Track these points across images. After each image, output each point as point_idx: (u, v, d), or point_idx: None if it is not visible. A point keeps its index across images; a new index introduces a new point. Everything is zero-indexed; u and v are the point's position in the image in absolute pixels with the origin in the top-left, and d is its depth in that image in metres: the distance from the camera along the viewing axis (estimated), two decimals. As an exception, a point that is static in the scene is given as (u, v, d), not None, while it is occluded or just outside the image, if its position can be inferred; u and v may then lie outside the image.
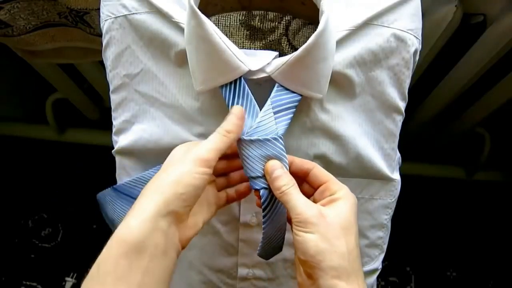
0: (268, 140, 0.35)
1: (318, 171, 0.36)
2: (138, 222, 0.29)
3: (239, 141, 0.35)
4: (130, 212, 0.30)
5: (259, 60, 0.36)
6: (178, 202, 0.30)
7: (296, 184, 0.34)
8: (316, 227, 0.31)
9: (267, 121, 0.35)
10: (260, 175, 0.35)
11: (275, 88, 0.36)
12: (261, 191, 0.35)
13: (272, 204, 0.36)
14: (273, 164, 0.35)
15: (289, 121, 0.36)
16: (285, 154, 0.36)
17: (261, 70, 0.36)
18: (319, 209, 0.32)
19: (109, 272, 0.27)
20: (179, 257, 0.33)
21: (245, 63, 0.35)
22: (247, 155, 0.35)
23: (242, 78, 0.36)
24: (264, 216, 0.36)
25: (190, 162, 0.31)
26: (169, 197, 0.30)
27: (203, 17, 0.33)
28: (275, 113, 0.36)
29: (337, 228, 0.32)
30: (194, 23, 0.33)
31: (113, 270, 0.27)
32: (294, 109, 0.36)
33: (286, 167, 0.35)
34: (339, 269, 0.30)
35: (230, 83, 0.36)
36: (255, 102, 0.36)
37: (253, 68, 0.35)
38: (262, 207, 0.36)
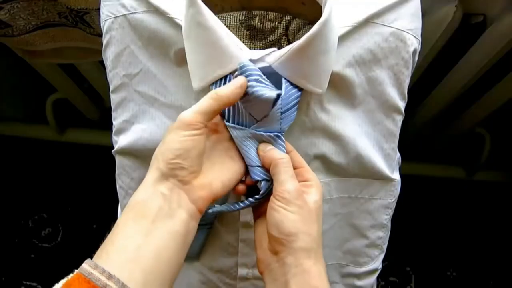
0: (271, 136, 0.36)
1: (294, 156, 0.37)
2: (141, 189, 0.32)
3: (241, 131, 0.36)
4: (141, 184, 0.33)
5: (259, 53, 0.36)
6: (171, 166, 0.32)
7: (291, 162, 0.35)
8: (298, 208, 0.32)
9: (274, 119, 0.35)
10: (259, 164, 0.36)
11: (284, 86, 0.35)
12: (262, 183, 0.36)
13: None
14: (265, 144, 0.36)
15: (293, 118, 0.37)
16: (284, 150, 0.36)
17: (261, 59, 0.36)
18: (303, 191, 0.34)
19: (119, 232, 0.31)
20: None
21: (244, 51, 0.35)
22: (248, 145, 0.36)
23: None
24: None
25: (175, 128, 0.32)
26: (161, 164, 0.32)
27: (202, 4, 0.33)
28: (282, 112, 0.35)
29: (314, 212, 0.34)
30: (193, 10, 0.33)
31: (122, 231, 0.30)
32: (296, 106, 0.37)
33: None
34: (309, 250, 0.32)
35: (225, 77, 0.35)
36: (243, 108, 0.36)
37: (253, 57, 0.35)
38: (258, 196, 0.36)
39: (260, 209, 0.37)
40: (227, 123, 0.36)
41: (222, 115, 0.37)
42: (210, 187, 0.34)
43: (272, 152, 0.35)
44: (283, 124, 0.36)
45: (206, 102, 0.33)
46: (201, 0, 0.34)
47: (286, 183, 0.33)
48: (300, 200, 0.33)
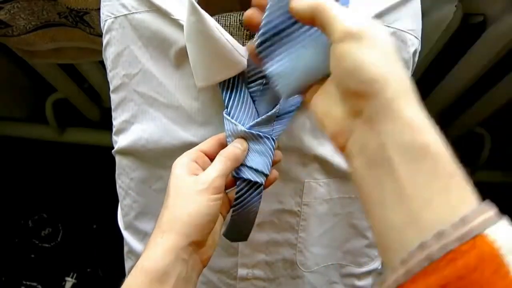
0: (260, 136, 0.36)
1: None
2: (161, 253, 0.29)
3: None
4: (152, 243, 0.30)
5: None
6: (197, 232, 0.30)
7: None
8: (374, 40, 0.23)
9: (266, 123, 0.36)
10: (246, 164, 0.36)
11: None
12: (238, 182, 0.36)
13: (245, 198, 0.36)
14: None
15: (285, 127, 0.37)
16: (272, 154, 0.36)
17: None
18: (368, 19, 0.25)
19: None
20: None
21: (246, 58, 0.35)
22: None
23: (241, 77, 0.36)
24: (235, 205, 0.36)
25: (204, 192, 0.31)
26: (189, 229, 0.30)
27: (203, 12, 0.33)
28: (277, 116, 0.36)
29: (391, 46, 0.24)
30: (194, 19, 0.33)
31: None
32: (293, 113, 0.37)
33: (269, 166, 0.36)
34: (404, 94, 0.23)
35: (229, 80, 0.36)
36: (251, 100, 0.36)
37: None
38: (236, 196, 0.36)
39: (309, 88, 0.30)
40: (224, 114, 0.36)
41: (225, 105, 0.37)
42: (215, 243, 0.34)
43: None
44: (275, 131, 0.36)
45: (225, 164, 0.33)
46: (202, 2, 0.34)
47: (342, 13, 0.24)
48: (372, 28, 0.24)
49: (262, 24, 0.28)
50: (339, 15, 0.24)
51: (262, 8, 0.29)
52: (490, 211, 0.20)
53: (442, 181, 0.21)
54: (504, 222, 0.20)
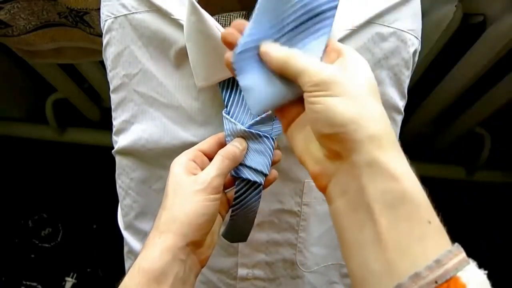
0: (260, 135, 0.35)
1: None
2: (159, 253, 0.29)
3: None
4: (150, 243, 0.30)
5: None
6: (195, 232, 0.30)
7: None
8: (342, 86, 0.24)
9: (265, 121, 0.36)
10: (245, 164, 0.35)
11: None
12: (237, 182, 0.36)
13: (245, 197, 0.36)
14: (264, 45, 0.28)
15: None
16: (271, 153, 0.36)
17: None
18: (337, 67, 0.26)
19: None
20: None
21: None
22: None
23: None
24: (234, 205, 0.36)
25: (202, 191, 0.31)
26: (187, 229, 0.30)
27: (203, 12, 0.33)
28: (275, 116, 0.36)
29: (364, 86, 0.25)
30: (194, 18, 0.33)
31: None
32: None
33: (268, 166, 0.36)
34: (379, 137, 0.23)
35: (229, 79, 0.36)
36: None
37: None
38: (235, 196, 0.36)
39: (286, 115, 0.30)
40: (224, 114, 0.36)
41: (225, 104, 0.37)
42: (213, 243, 0.34)
43: (275, 49, 0.27)
44: (275, 130, 0.36)
45: (224, 164, 0.33)
46: (202, 2, 0.34)
47: (308, 67, 0.25)
48: (338, 75, 0.25)
49: (242, 36, 0.28)
50: (309, 67, 0.25)
51: (241, 32, 0.29)
52: (461, 254, 0.21)
53: (419, 229, 0.22)
54: (473, 265, 0.21)
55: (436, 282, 0.20)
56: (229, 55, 0.29)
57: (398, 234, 0.22)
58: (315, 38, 0.28)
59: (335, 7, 0.28)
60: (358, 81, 0.25)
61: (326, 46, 0.28)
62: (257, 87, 0.29)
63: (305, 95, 0.26)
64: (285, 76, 0.27)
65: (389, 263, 0.22)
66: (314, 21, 0.28)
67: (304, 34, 0.28)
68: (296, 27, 0.28)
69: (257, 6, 0.28)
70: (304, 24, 0.28)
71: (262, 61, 0.29)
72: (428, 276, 0.20)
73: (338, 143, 0.24)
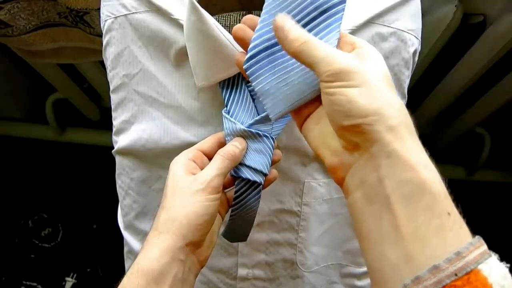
0: (259, 135, 0.35)
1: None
2: (158, 254, 0.29)
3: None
4: (149, 244, 0.30)
5: None
6: (194, 232, 0.30)
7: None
8: (362, 76, 0.24)
9: (265, 121, 0.36)
10: (245, 163, 0.35)
11: None
12: (236, 181, 0.36)
13: (244, 197, 0.36)
14: (281, 17, 0.27)
15: (284, 126, 0.37)
16: (271, 153, 0.36)
17: None
18: (355, 56, 0.25)
19: None
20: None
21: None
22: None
23: (240, 76, 0.36)
24: (234, 205, 0.36)
25: (201, 191, 0.31)
26: (186, 229, 0.30)
27: (203, 11, 0.33)
28: None
29: (381, 77, 0.25)
30: (194, 18, 0.33)
31: None
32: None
33: (268, 165, 0.36)
34: (399, 128, 0.23)
35: (229, 78, 0.36)
36: (251, 99, 0.36)
37: None
38: (234, 195, 0.36)
39: (301, 112, 0.30)
40: (223, 113, 0.36)
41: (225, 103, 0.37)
42: (212, 243, 0.34)
43: (293, 32, 0.26)
44: (274, 129, 0.36)
45: (224, 163, 0.32)
46: (202, 2, 0.34)
47: (326, 57, 0.24)
48: (357, 65, 0.24)
49: (252, 38, 0.28)
50: (326, 55, 0.24)
51: (252, 28, 0.29)
52: (482, 246, 0.21)
53: (438, 220, 0.21)
54: (494, 258, 0.21)
55: (456, 274, 0.19)
56: (240, 57, 0.28)
57: (416, 226, 0.21)
58: (327, 33, 0.28)
59: (345, 1, 0.28)
60: (376, 72, 0.25)
61: (339, 40, 0.28)
62: (273, 90, 0.28)
63: (323, 85, 0.25)
64: (300, 61, 0.26)
65: (408, 255, 0.21)
66: (324, 16, 0.28)
67: (315, 31, 0.28)
68: (307, 23, 0.28)
69: (265, 5, 0.28)
70: (314, 20, 0.28)
71: (275, 62, 0.28)
72: (447, 268, 0.20)
73: (358, 134, 0.24)
